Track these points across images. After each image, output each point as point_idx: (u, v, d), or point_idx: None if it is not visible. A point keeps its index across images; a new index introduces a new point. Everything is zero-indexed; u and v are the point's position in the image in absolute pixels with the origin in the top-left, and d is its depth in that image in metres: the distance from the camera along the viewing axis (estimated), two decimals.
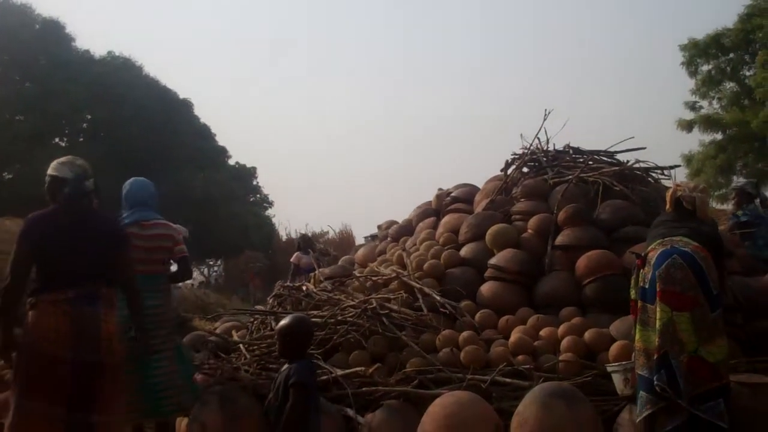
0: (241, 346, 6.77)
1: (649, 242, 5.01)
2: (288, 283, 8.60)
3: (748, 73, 20.20)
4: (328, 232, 25.04)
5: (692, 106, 21.58)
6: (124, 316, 4.65)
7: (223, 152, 31.11)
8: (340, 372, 5.88)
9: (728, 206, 20.69)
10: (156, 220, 5.67)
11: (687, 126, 21.11)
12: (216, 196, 26.34)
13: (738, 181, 17.31)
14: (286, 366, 3.98)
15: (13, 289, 4.19)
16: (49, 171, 4.54)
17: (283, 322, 4.10)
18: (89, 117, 26.35)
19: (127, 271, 4.58)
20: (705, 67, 21.23)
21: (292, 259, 13.44)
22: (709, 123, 20.66)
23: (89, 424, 4.15)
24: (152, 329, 5.40)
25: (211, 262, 34.98)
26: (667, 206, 5.32)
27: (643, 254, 4.93)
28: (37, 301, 4.21)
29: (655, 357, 4.55)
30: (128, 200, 5.69)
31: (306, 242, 14.15)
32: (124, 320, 4.68)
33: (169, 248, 5.64)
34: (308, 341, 4.29)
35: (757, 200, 8.31)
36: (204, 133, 29.79)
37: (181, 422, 6.19)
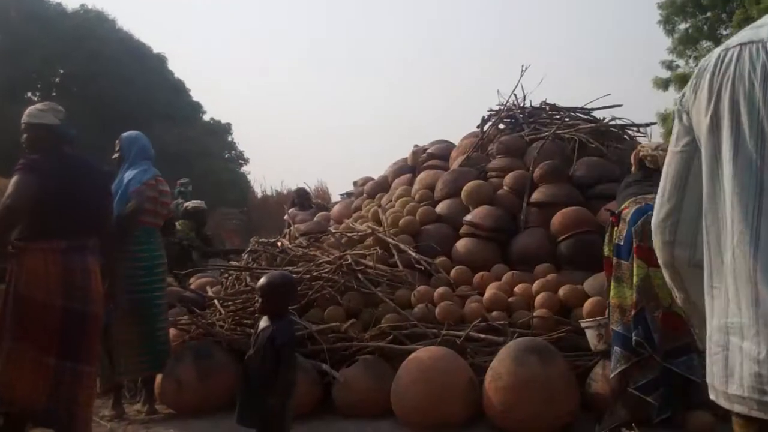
0: (216, 301, 6.74)
1: (621, 201, 5.05)
2: None
3: (725, 32, 20.17)
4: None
5: (669, 65, 21.57)
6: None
7: (197, 108, 30.79)
8: (315, 328, 5.88)
9: None
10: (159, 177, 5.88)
11: (663, 85, 21.10)
12: (190, 152, 26.05)
13: None
14: (266, 323, 3.91)
15: (11, 216, 4.09)
16: (30, 119, 4.40)
17: (265, 279, 3.99)
18: (62, 71, 26.00)
19: (109, 223, 4.53)
20: (682, 26, 21.19)
21: (285, 217, 11.76)
22: (684, 82, 20.46)
23: (77, 372, 4.13)
24: (160, 281, 5.47)
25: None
26: (633, 168, 5.41)
27: (617, 211, 4.96)
28: (27, 247, 4.13)
29: (632, 312, 4.60)
30: (142, 153, 5.88)
31: (302, 197, 12.55)
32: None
33: (169, 204, 6.00)
34: (292, 298, 4.23)
35: None
36: (178, 88, 29.44)
37: (156, 377, 6.19)
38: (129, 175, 5.64)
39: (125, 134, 6.06)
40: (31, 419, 4.28)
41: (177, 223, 9.04)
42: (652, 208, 4.67)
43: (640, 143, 5.49)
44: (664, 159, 5.20)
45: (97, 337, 4.32)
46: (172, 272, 8.08)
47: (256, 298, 3.95)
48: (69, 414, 4.11)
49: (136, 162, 5.76)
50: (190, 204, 9.37)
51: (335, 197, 13.65)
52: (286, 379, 3.82)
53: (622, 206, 4.93)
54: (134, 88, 25.08)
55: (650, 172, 5.16)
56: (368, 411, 5.32)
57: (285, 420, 3.83)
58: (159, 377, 5.97)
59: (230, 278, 7.40)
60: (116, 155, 5.94)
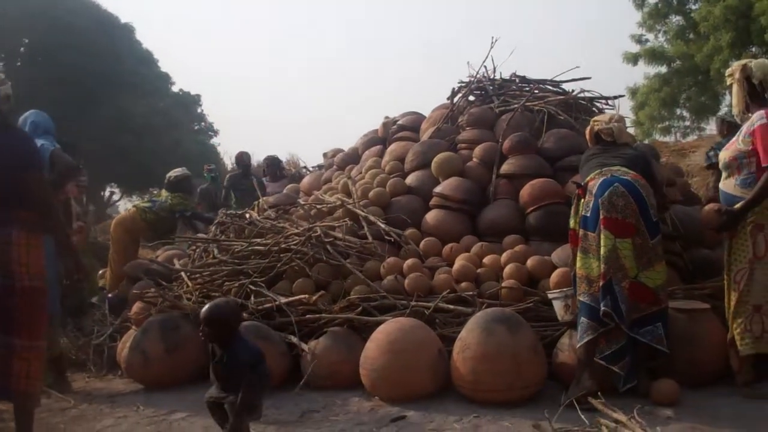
0: (183, 274, 6.70)
1: (586, 173, 5.08)
2: None
3: (693, 7, 20.23)
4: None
5: (638, 39, 21.61)
6: None
7: (166, 79, 30.46)
8: (283, 300, 5.86)
9: (670, 138, 21.07)
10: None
11: (633, 59, 21.13)
12: (158, 124, 25.85)
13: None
14: (219, 351, 3.85)
15: None
16: None
17: (206, 311, 3.87)
18: (27, 41, 25.53)
19: (40, 194, 4.28)
20: (652, 0, 21.21)
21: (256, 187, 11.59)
22: (654, 56, 20.71)
23: (10, 345, 4.07)
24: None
25: (155, 192, 34.51)
26: (589, 143, 5.50)
27: (583, 183, 4.98)
28: None
29: (601, 283, 4.63)
30: (41, 127, 5.83)
31: (273, 166, 12.12)
32: None
33: None
34: (237, 322, 4.02)
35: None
36: (146, 59, 29.09)
37: (122, 350, 6.16)
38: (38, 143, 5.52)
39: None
40: None
41: (168, 197, 8.89)
42: (618, 179, 4.77)
43: (595, 119, 5.52)
44: (620, 130, 5.34)
45: (35, 311, 4.22)
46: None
47: (201, 327, 3.85)
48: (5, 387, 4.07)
49: (37, 134, 5.68)
50: (172, 174, 9.18)
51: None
52: (258, 387, 3.81)
53: (588, 178, 4.97)
54: (101, 58, 24.70)
55: (609, 145, 5.23)
56: (337, 383, 5.32)
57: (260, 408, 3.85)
58: (124, 350, 5.96)
59: (198, 251, 7.35)
60: None
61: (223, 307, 3.93)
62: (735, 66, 4.98)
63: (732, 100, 4.98)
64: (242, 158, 12.19)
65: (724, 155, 4.96)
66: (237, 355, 3.78)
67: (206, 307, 3.92)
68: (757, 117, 4.68)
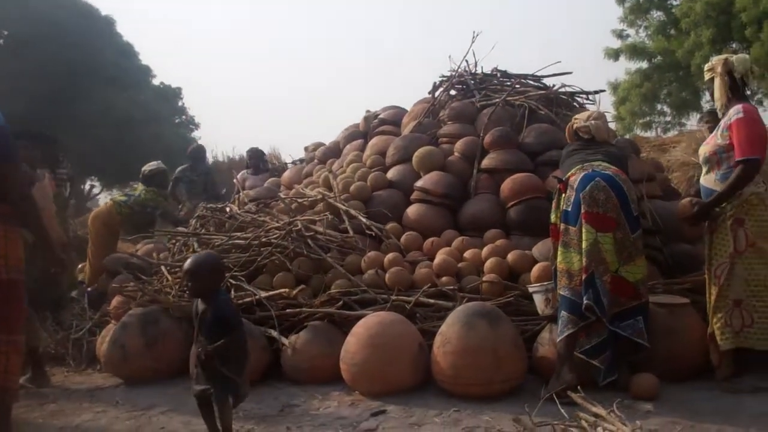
0: (162, 267, 6.66)
1: (567, 168, 5.10)
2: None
3: (675, 3, 20.29)
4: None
5: (620, 35, 21.66)
6: None
7: (146, 72, 30.20)
8: (264, 294, 5.84)
9: (651, 133, 21.13)
10: None
11: (614, 54, 21.17)
12: (139, 118, 25.60)
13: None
14: (203, 305, 3.83)
15: None
16: None
17: (190, 262, 3.91)
18: (6, 33, 25.26)
19: (16, 186, 4.21)
20: None
21: (235, 180, 11.36)
22: (635, 51, 20.77)
23: None
24: None
25: (135, 185, 34.20)
26: (568, 140, 5.55)
27: (564, 178, 4.99)
28: None
29: (583, 277, 4.64)
30: None
31: (255, 158, 11.82)
32: None
33: None
34: (220, 276, 4.12)
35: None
36: (127, 52, 28.83)
37: (101, 345, 6.13)
38: None
39: None
40: None
41: (142, 191, 8.84)
42: (599, 174, 4.79)
43: (575, 117, 5.55)
44: (597, 128, 5.39)
45: (14, 305, 4.17)
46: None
47: (185, 283, 3.84)
48: None
49: None
50: (147, 168, 9.10)
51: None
52: (240, 347, 3.82)
53: (569, 173, 4.98)
54: (81, 51, 24.44)
55: (588, 142, 5.25)
56: (317, 377, 5.31)
57: (243, 387, 3.83)
58: (103, 344, 5.93)
59: (178, 244, 7.32)
60: None
61: (206, 260, 3.97)
62: (715, 60, 5.01)
63: (714, 94, 4.99)
64: (192, 151, 12.01)
65: (703, 150, 4.99)
66: (220, 309, 3.79)
67: (189, 259, 3.95)
68: (734, 111, 4.73)
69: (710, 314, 4.83)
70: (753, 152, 4.58)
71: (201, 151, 12.09)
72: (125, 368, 5.74)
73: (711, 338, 4.82)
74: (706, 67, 5.12)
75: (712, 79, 5.00)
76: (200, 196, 10.61)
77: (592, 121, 5.33)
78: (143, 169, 9.13)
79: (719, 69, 4.92)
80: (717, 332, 4.75)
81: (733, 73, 4.87)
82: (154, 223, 8.74)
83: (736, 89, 4.87)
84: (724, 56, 5.01)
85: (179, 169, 11.65)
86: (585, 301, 4.59)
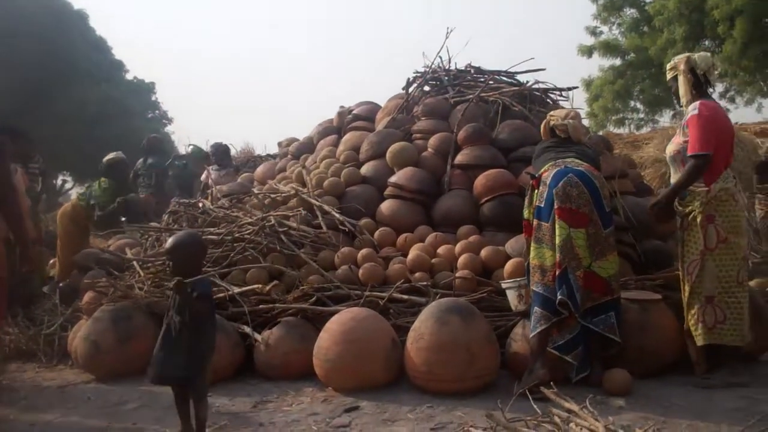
0: (135, 263, 6.62)
1: (540, 164, 5.12)
2: None
3: (648, 0, 20.44)
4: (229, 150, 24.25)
5: (593, 32, 21.78)
6: None
7: (119, 66, 29.96)
8: (237, 290, 5.82)
9: (624, 130, 21.25)
10: None
11: (587, 51, 21.32)
12: (111, 113, 25.38)
13: None
14: (177, 279, 3.85)
15: None
16: None
17: (172, 241, 3.93)
18: None
19: None
20: None
21: (202, 177, 11.15)
22: (608, 48, 20.92)
23: None
24: None
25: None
26: (543, 137, 5.55)
27: (537, 175, 5.01)
28: None
29: (556, 272, 4.66)
30: None
31: (219, 154, 11.27)
32: None
33: None
34: (202, 256, 4.17)
35: None
36: (99, 46, 28.58)
37: (73, 340, 6.08)
38: None
39: None
40: None
41: (97, 184, 8.78)
42: (572, 170, 4.81)
43: (551, 114, 5.57)
44: (575, 128, 5.44)
45: None
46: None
47: (167, 263, 3.84)
48: None
49: None
50: (105, 158, 9.02)
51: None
52: (211, 330, 3.81)
53: (542, 169, 4.99)
54: (53, 46, 24.21)
55: (563, 140, 5.28)
56: (290, 373, 5.29)
57: (205, 377, 3.82)
58: (75, 341, 5.88)
59: (150, 239, 7.27)
60: None
61: (188, 238, 3.99)
62: (678, 59, 5.09)
63: (679, 92, 5.06)
64: (145, 143, 11.66)
65: (669, 149, 5.07)
66: (200, 287, 3.77)
67: (171, 238, 3.97)
68: (691, 108, 4.85)
69: (685, 311, 4.86)
70: (702, 148, 4.68)
71: (155, 143, 11.69)
72: (97, 364, 5.69)
73: (688, 334, 4.86)
74: (669, 66, 5.21)
75: (675, 78, 5.10)
76: (148, 189, 10.48)
77: (570, 120, 5.35)
78: (103, 159, 9.07)
79: (682, 67, 5.01)
80: (692, 328, 4.80)
81: (696, 70, 4.96)
82: (116, 218, 8.65)
83: (699, 86, 4.98)
84: (686, 55, 5.11)
85: (138, 162, 11.50)
86: (559, 297, 4.61)
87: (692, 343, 4.85)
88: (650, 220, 5.34)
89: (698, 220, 4.78)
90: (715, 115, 4.80)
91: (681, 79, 5.01)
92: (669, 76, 5.17)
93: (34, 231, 7.53)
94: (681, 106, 5.14)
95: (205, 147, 11.52)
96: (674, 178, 4.99)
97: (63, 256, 8.23)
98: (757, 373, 4.94)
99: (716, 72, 5.11)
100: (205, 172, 10.84)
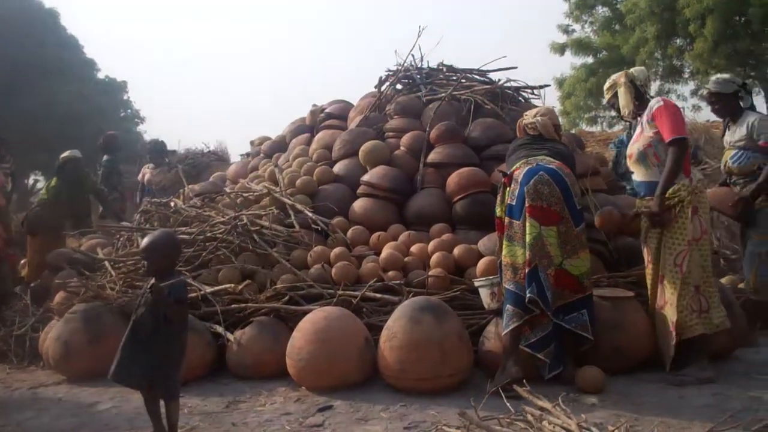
0: (106, 263, 6.57)
1: (512, 162, 5.14)
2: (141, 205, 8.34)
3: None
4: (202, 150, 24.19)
5: (565, 30, 21.91)
6: None
7: (91, 65, 29.70)
8: (209, 289, 5.79)
9: (596, 128, 21.38)
10: None
11: (560, 49, 21.45)
12: (83, 112, 25.14)
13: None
14: (154, 282, 3.83)
15: None
16: None
17: (147, 240, 3.91)
18: None
19: None
20: None
21: (138, 177, 11.22)
22: (580, 47, 21.04)
23: None
24: None
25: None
26: (518, 134, 5.61)
27: (509, 172, 5.02)
28: None
29: (527, 270, 4.67)
30: None
31: (155, 152, 11.30)
32: None
33: None
34: (177, 256, 4.17)
35: None
36: (70, 45, 28.31)
37: (44, 341, 6.02)
38: None
39: None
40: None
41: (47, 185, 8.73)
42: (543, 168, 4.83)
43: (525, 113, 5.62)
44: (544, 125, 5.51)
45: None
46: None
47: (142, 261, 3.83)
48: None
49: None
50: (60, 157, 8.99)
51: (234, 158, 12.85)
52: (184, 332, 3.80)
53: (514, 167, 5.01)
54: (23, 45, 23.96)
55: (536, 137, 5.32)
56: (263, 372, 5.28)
57: (177, 378, 3.80)
58: (46, 341, 5.82)
59: (122, 239, 7.22)
60: None
61: (164, 238, 3.96)
62: (616, 75, 5.32)
63: (620, 103, 5.24)
64: (103, 140, 11.55)
65: (635, 147, 5.11)
66: (176, 291, 3.75)
67: (146, 238, 3.95)
68: (654, 102, 5.01)
69: (674, 303, 4.81)
70: (680, 132, 4.80)
71: (110, 140, 11.51)
72: (68, 365, 5.65)
73: (676, 327, 4.80)
74: (606, 85, 5.49)
75: (615, 95, 5.30)
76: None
77: (539, 118, 5.39)
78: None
79: (622, 80, 5.22)
80: (684, 320, 4.79)
81: (635, 82, 5.17)
82: (61, 226, 8.57)
83: (640, 97, 5.16)
84: (622, 72, 5.33)
85: (144, 168, 11.50)
86: (528, 295, 4.63)
87: (672, 337, 4.80)
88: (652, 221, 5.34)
89: (688, 210, 4.81)
90: (676, 107, 4.98)
91: (622, 90, 5.20)
92: (608, 95, 5.38)
93: (3, 232, 7.46)
94: (622, 119, 5.29)
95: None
96: (648, 175, 5.01)
97: (33, 256, 8.15)
98: (724, 370, 4.98)
99: (650, 85, 5.31)
100: (142, 170, 10.84)
